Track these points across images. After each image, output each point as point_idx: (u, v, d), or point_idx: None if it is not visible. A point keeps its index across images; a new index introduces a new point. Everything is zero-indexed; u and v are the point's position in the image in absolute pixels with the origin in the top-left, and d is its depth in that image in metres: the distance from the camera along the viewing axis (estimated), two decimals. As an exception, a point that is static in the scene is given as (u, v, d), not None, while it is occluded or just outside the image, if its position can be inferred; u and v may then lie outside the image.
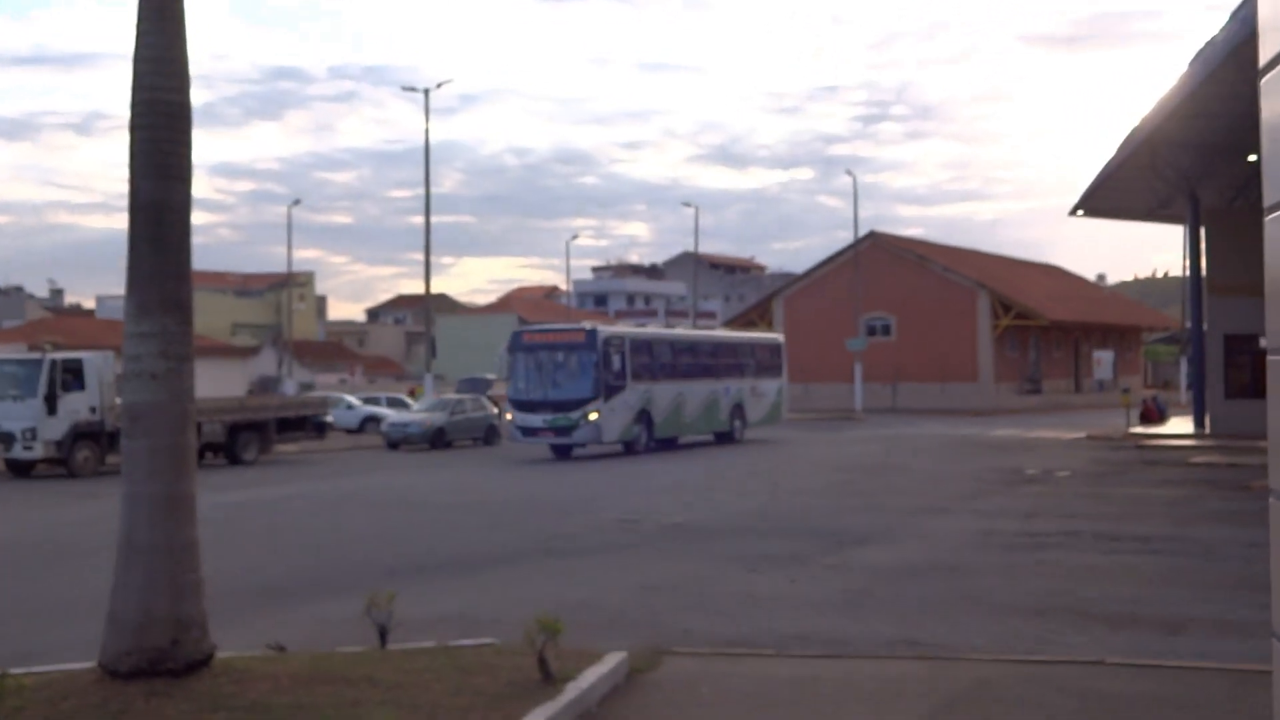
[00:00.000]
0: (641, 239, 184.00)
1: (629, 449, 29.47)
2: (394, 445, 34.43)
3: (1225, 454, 25.70)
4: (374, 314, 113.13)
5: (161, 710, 6.18)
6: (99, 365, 26.20)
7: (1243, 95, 22.35)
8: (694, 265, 74.71)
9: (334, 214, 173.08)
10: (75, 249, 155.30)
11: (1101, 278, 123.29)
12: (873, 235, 58.32)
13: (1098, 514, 16.03)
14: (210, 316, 70.10)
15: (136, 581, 6.73)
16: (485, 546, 13.88)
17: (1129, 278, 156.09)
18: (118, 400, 24.89)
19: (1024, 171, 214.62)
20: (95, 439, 26.02)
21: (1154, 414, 38.18)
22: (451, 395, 38.97)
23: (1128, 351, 67.40)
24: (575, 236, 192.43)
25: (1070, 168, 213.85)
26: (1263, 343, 3.14)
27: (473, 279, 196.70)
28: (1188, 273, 35.68)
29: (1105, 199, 35.88)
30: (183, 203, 7.01)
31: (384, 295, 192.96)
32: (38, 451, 25.39)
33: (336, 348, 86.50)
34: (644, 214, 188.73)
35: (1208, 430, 31.69)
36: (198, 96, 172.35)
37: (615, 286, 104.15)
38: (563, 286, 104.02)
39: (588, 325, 29.49)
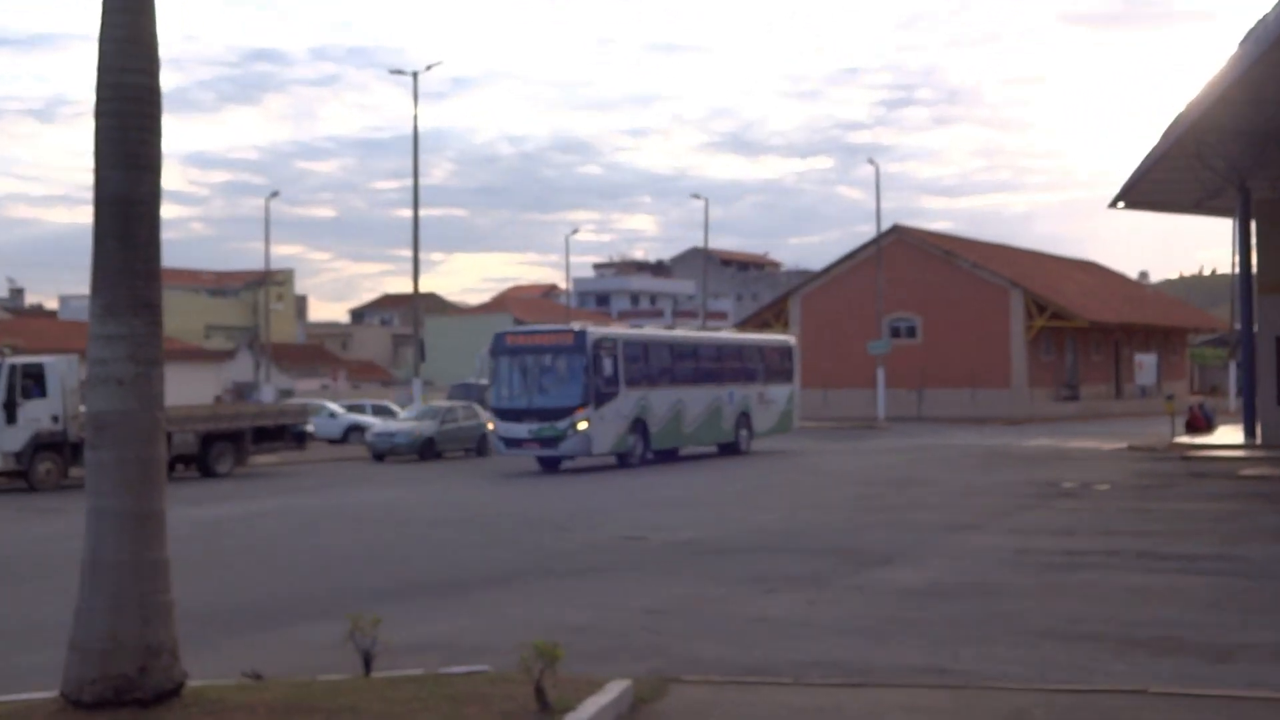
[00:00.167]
0: (647, 233, 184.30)
1: (623, 461, 29.25)
2: (380, 456, 34.47)
3: (1278, 465, 25.65)
4: (358, 315, 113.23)
5: (129, 743, 6.18)
6: (62, 370, 26.25)
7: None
8: (703, 262, 74.73)
9: (315, 207, 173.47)
10: (36, 245, 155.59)
11: (1144, 275, 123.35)
12: (896, 229, 58.33)
13: (1140, 531, 16.00)
14: (182, 318, 70.16)
15: (102, 604, 6.73)
16: (478, 565, 13.88)
17: (1173, 275, 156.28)
18: (82, 408, 24.95)
19: (1060, 160, 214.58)
20: (58, 450, 26.06)
21: (1201, 422, 38.14)
22: (441, 403, 39.01)
23: (1172, 355, 67.36)
24: (575, 231, 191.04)
25: (1110, 157, 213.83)
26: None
27: (465, 277, 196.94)
28: (1237, 270, 35.66)
29: (1148, 190, 35.87)
30: (152, 195, 7.02)
31: (369, 295, 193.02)
32: (-5, 463, 25.45)
33: (318, 351, 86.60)
34: (650, 206, 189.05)
35: (1259, 440, 31.65)
36: (168, 80, 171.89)
37: (618, 285, 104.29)
38: (562, 285, 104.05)
39: (576, 326, 29.39)
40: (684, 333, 36.52)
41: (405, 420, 36.38)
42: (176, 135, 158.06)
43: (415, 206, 42.75)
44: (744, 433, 33.57)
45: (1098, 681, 8.10)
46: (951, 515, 18.04)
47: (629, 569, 13.44)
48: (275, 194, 57.44)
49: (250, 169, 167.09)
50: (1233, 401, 51.45)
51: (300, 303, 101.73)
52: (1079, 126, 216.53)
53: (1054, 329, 56.21)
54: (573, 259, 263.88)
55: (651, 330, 35.03)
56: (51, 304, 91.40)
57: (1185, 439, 34.67)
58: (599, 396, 28.19)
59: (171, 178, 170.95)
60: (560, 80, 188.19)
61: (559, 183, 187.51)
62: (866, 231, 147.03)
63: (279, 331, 74.40)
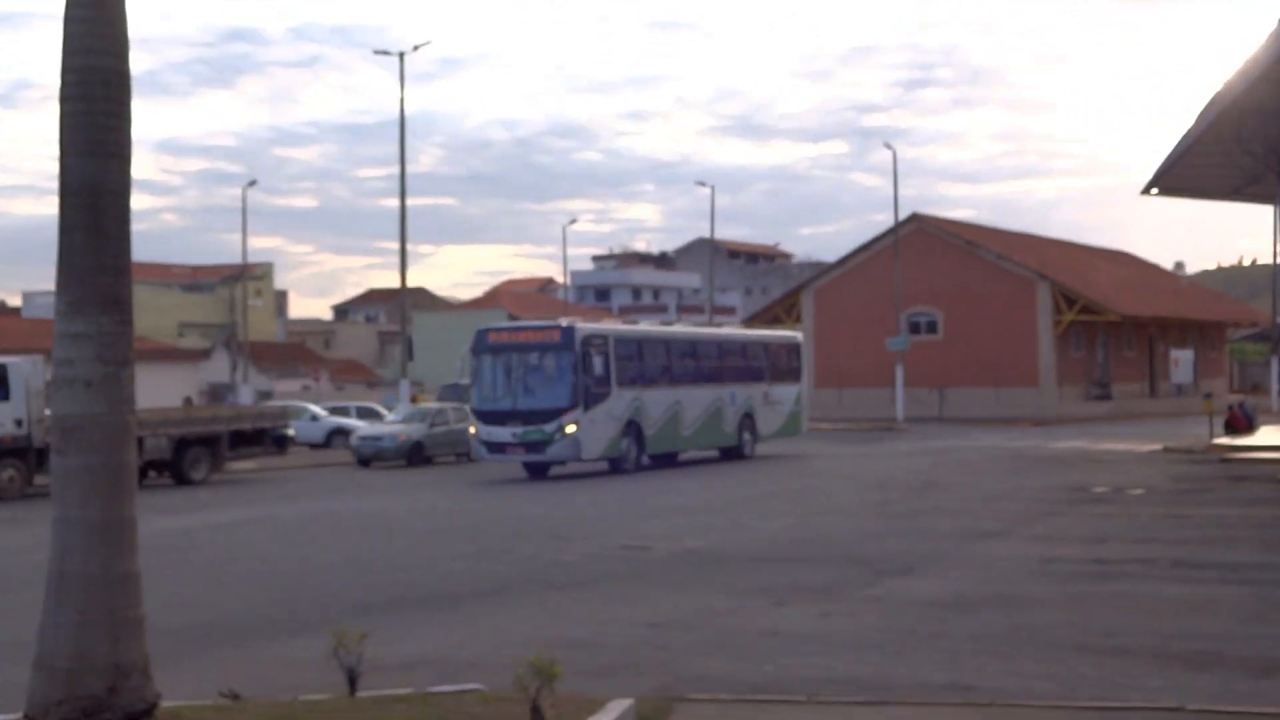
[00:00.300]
0: (649, 223, 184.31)
1: (615, 467, 29.01)
2: (365, 462, 34.48)
3: (1323, 468, 25.64)
4: (342, 311, 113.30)
5: (98, 767, 6.19)
6: (26, 371, 26.26)
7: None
8: (710, 253, 74.78)
9: (296, 197, 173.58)
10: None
11: (1179, 266, 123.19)
12: (915, 218, 58.32)
13: (1176, 538, 16.01)
14: (153, 315, 70.24)
15: (69, 619, 6.74)
16: (470, 577, 13.90)
17: (1211, 266, 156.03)
18: (47, 412, 24.95)
19: (1089, 144, 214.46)
20: (21, 456, 26.07)
21: (1241, 422, 38.12)
22: (431, 404, 39.04)
23: (1210, 350, 67.35)
24: (573, 221, 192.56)
25: (1143, 140, 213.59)
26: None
27: (455, 270, 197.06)
28: (1279, 260, 35.65)
29: (1182, 176, 35.84)
30: (121, 184, 7.03)
31: (353, 290, 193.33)
32: (-44, 470, 25.47)
33: (299, 350, 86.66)
34: (652, 195, 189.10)
35: (1303, 441, 31.61)
36: (138, 62, 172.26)
37: (619, 278, 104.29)
38: (559, 278, 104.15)
39: (564, 321, 29.09)
40: (682, 328, 36.22)
41: (392, 423, 36.37)
42: (147, 121, 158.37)
43: (402, 195, 42.79)
44: (747, 436, 33.45)
45: (1131, 699, 8.11)
46: (975, 522, 18.05)
47: (631, 580, 13.46)
48: (253, 183, 57.54)
49: (226, 156, 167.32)
50: (1275, 400, 51.44)
51: (280, 298, 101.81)
52: (1109, 108, 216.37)
53: (1084, 323, 56.19)
54: (570, 251, 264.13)
55: (646, 326, 34.76)
56: (15, 301, 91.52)
57: (1224, 440, 34.66)
58: (589, 397, 27.97)
59: (142, 166, 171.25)
60: (556, 61, 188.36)
61: (555, 170, 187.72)
62: (883, 220, 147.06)
63: (257, 329, 74.47)
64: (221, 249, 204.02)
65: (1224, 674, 8.84)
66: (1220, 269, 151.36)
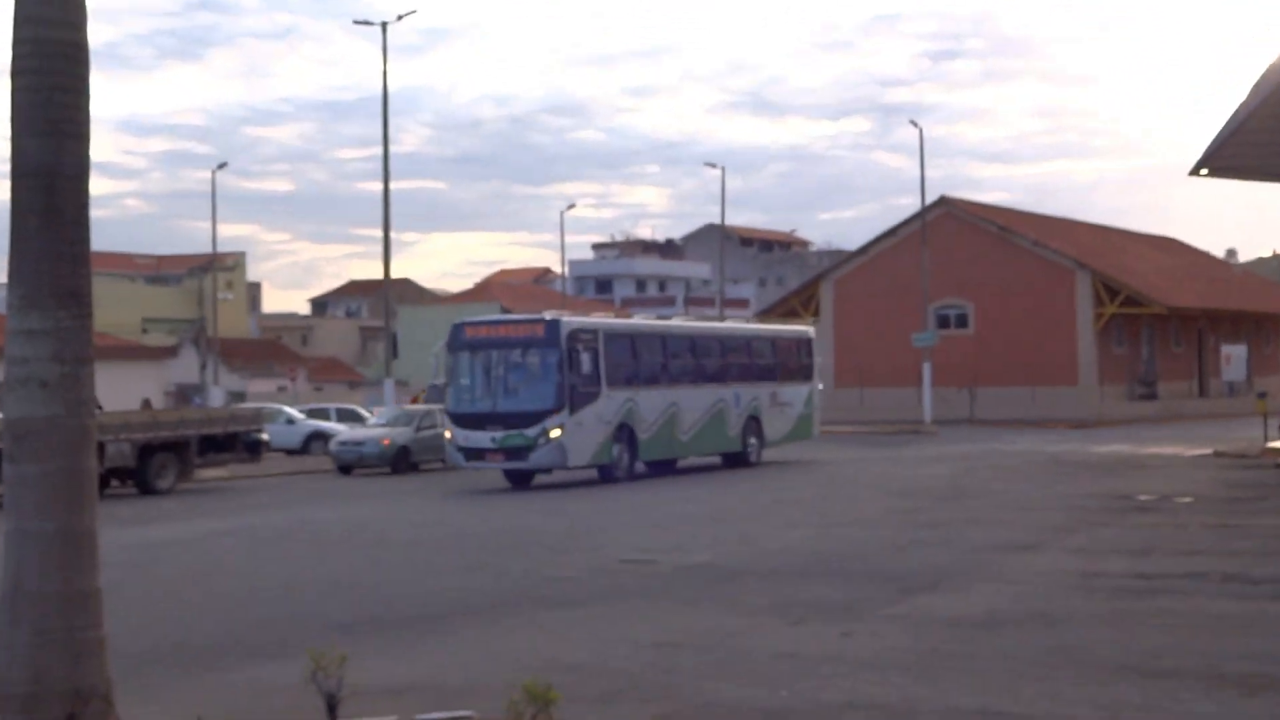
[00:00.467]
0: (654, 208, 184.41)
1: (605, 475, 28.67)
2: (346, 469, 34.54)
3: (1388, 474, 25.61)
4: (320, 305, 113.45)
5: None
6: (-23, 371, 26.34)
7: None
8: (720, 241, 74.78)
9: (270, 180, 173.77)
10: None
11: (1231, 254, 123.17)
12: (944, 202, 58.36)
13: (1228, 550, 16.01)
14: (115, 309, 70.28)
15: (24, 640, 6.75)
16: (460, 594, 13.91)
17: (1265, 253, 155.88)
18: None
19: (1133, 121, 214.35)
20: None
21: (1298, 424, 38.07)
22: (418, 406, 39.09)
23: (1265, 346, 67.33)
24: (571, 206, 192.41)
25: (1191, 116, 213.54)
26: None
27: (443, 260, 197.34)
28: (1340, 246, 35.56)
29: (1235, 155, 35.79)
30: (79, 167, 7.04)
31: (333, 281, 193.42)
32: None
33: (273, 347, 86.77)
34: (657, 177, 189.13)
35: (1366, 444, 31.59)
36: (97, 34, 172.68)
37: (622, 268, 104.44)
38: (556, 269, 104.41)
39: (548, 315, 28.92)
40: (680, 322, 35.77)
41: (375, 426, 36.43)
42: (107, 98, 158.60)
43: (385, 179, 42.81)
44: (753, 441, 33.22)
45: (1179, 725, 8.10)
46: (1008, 533, 18.05)
47: (634, 596, 13.46)
48: (223, 165, 57.56)
49: (194, 136, 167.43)
50: (1335, 399, 51.40)
51: (253, 291, 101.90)
52: (1155, 81, 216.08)
53: (1127, 316, 56.19)
54: (568, 239, 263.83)
55: (640, 320, 34.39)
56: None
57: (1280, 443, 34.63)
58: (576, 398, 27.62)
59: (102, 147, 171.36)
60: (553, 32, 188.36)
61: (552, 150, 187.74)
62: (909, 205, 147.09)
63: (228, 325, 74.53)
64: (189, 237, 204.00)
65: (1279, 697, 8.85)
66: (1276, 256, 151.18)
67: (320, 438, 41.11)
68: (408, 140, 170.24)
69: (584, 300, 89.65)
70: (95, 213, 7.18)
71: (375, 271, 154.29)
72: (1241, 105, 31.03)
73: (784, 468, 32.28)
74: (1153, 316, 57.50)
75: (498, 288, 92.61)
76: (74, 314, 6.95)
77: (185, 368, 64.81)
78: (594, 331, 28.95)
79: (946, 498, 23.42)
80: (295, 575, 15.84)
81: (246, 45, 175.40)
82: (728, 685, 9.47)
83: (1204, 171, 37.42)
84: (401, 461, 34.28)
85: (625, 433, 29.10)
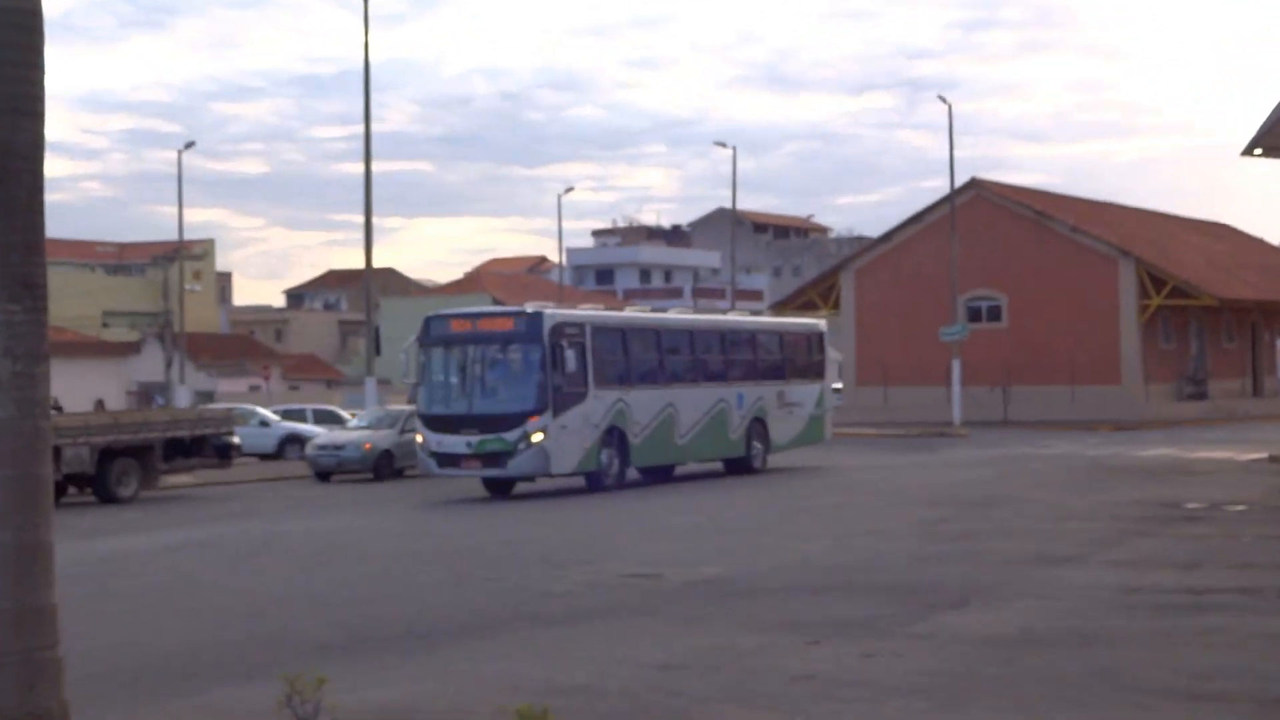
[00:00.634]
0: (659, 192, 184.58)
1: (593, 483, 28.41)
2: (324, 475, 34.56)
3: None
4: (296, 297, 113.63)
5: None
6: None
7: None
8: (731, 227, 74.83)
9: (242, 161, 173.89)
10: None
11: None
12: (975, 184, 58.34)
13: (1284, 563, 16.01)
14: (73, 301, 70.40)
15: (-26, 661, 6.75)
16: (448, 611, 13.92)
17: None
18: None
19: (1180, 97, 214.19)
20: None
21: (1361, 426, 38.08)
22: (401, 407, 39.11)
23: (1325, 341, 67.29)
24: (569, 189, 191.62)
25: (1243, 92, 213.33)
26: None
27: (430, 248, 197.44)
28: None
29: (1292, 133, 35.81)
30: (33, 146, 7.04)
31: (310, 271, 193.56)
32: None
33: (245, 343, 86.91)
34: (662, 158, 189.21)
35: None
36: (53, 2, 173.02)
37: (624, 256, 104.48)
38: (553, 257, 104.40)
39: (530, 307, 28.57)
40: (676, 315, 35.19)
41: (356, 429, 36.42)
42: (64, 72, 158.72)
43: (367, 159, 42.79)
44: (757, 445, 32.99)
45: (1229, 753, 8.11)
46: (1044, 545, 18.06)
47: (638, 614, 13.48)
48: (190, 145, 57.55)
49: (159, 113, 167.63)
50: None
51: (223, 282, 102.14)
52: (1204, 54, 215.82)
53: (1174, 309, 56.18)
54: (566, 225, 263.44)
55: (632, 313, 34.05)
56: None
57: (1341, 447, 34.60)
58: (560, 399, 27.29)
59: (58, 125, 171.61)
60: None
61: (547, 129, 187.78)
62: (937, 188, 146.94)
63: (196, 319, 74.62)
64: (153, 224, 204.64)
65: (1339, 724, 8.85)
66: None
67: (296, 441, 41.12)
68: (391, 118, 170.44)
69: (583, 292, 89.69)
70: (51, 196, 7.20)
71: (356, 261, 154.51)
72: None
73: (793, 474, 32.25)
74: (1202, 309, 57.48)
75: (489, 278, 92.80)
76: (28, 307, 6.95)
77: (149, 365, 64.88)
78: (580, 325, 28.64)
79: (976, 506, 23.43)
80: (269, 591, 15.85)
81: (215, 14, 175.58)
82: (738, 710, 9.48)
83: (1257, 151, 37.41)
84: (384, 467, 34.27)
85: (615, 436, 28.84)
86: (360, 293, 64.87)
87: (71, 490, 28.76)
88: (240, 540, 21.30)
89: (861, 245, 72.40)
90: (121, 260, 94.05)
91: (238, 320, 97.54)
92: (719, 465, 33.01)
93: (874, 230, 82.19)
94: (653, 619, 13.19)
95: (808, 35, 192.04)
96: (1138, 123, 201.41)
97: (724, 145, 67.00)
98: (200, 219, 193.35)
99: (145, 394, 61.78)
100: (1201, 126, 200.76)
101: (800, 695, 9.88)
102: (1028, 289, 56.19)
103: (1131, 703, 9.47)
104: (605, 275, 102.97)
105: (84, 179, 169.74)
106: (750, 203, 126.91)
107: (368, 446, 34.32)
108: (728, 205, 68.63)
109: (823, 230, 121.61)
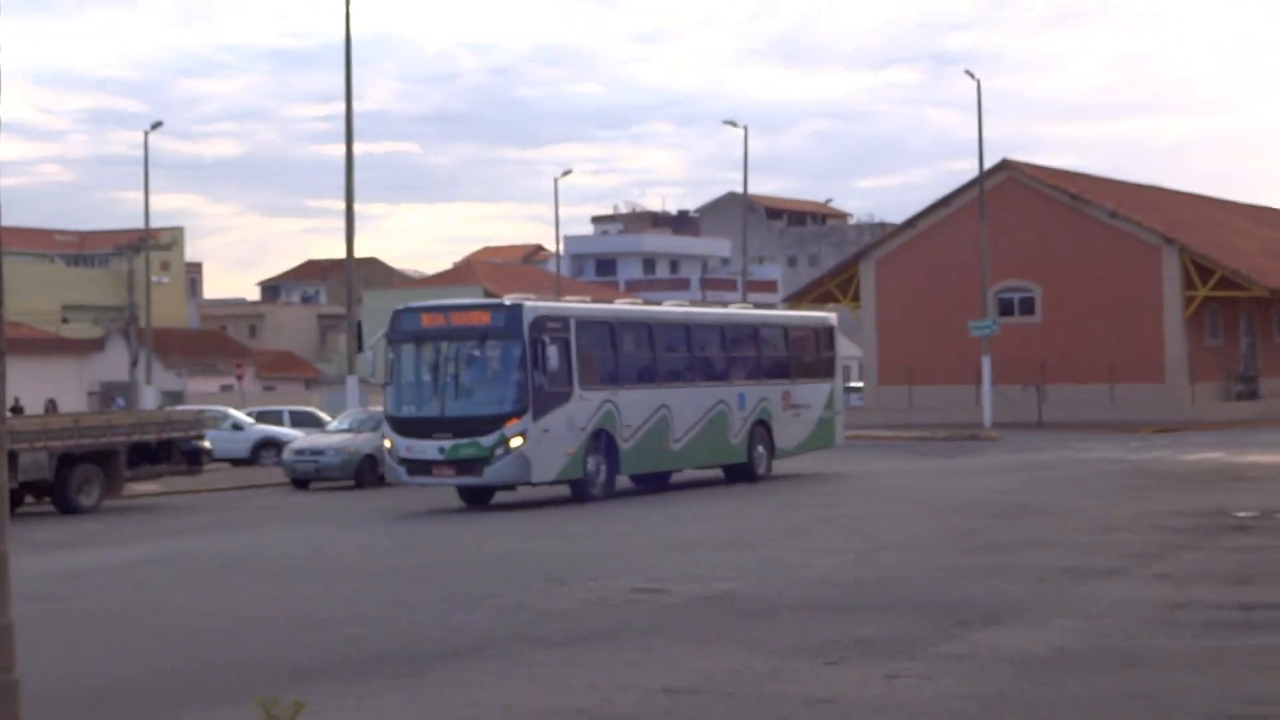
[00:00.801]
0: (665, 175, 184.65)
1: (579, 493, 28.09)
2: (302, 482, 34.57)
3: None
4: (272, 289, 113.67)
5: None
6: None
7: None
8: (743, 213, 74.87)
9: (213, 143, 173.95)
10: None
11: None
12: (1006, 166, 58.34)
13: (1342, 577, 16.01)
14: (30, 294, 70.39)
15: (-76, 686, 6.76)
16: (438, 631, 13.92)
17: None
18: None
19: (1228, 73, 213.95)
20: None
21: None
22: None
23: (1386, 335, 67.28)
24: (567, 173, 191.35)
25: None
26: None
27: (417, 236, 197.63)
28: None
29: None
30: (-13, 129, 7.04)
31: (286, 261, 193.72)
32: None
33: (217, 339, 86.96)
34: (668, 138, 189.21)
35: None
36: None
37: (627, 245, 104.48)
38: (549, 245, 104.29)
39: (508, 300, 28.37)
40: (670, 308, 34.89)
41: (336, 432, 36.42)
42: (20, 45, 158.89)
43: (349, 140, 42.76)
44: (760, 450, 32.64)
45: (1284, 784, 8.11)
46: (1082, 557, 18.06)
47: (644, 634, 13.47)
48: (157, 125, 57.61)
49: (123, 91, 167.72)
50: None
51: (193, 273, 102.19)
52: (1254, 24, 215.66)
53: (1222, 300, 56.15)
54: (564, 210, 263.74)
55: (622, 305, 33.60)
56: None
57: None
58: (541, 400, 26.91)
59: (13, 104, 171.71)
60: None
61: (542, 107, 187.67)
62: (965, 170, 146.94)
63: (163, 313, 74.66)
64: (117, 210, 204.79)
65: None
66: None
67: (272, 445, 41.15)
68: (373, 95, 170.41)
69: (582, 283, 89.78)
70: (6, 181, 7.20)
71: (337, 250, 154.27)
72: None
73: (801, 482, 32.19)
74: (1252, 301, 57.46)
75: (480, 268, 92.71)
76: (-19, 302, 6.95)
77: (113, 363, 64.87)
78: (564, 318, 28.37)
79: (1009, 516, 23.41)
80: (243, 609, 15.84)
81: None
82: (752, 738, 9.48)
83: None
84: (367, 473, 34.20)
85: (603, 441, 28.47)
86: (341, 284, 64.88)
87: (29, 499, 28.77)
88: (211, 554, 21.28)
89: (883, 232, 72.38)
90: (83, 250, 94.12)
91: (208, 315, 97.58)
92: (718, 473, 32.82)
93: (897, 216, 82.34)
94: (661, 639, 13.17)
95: (825, 5, 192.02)
96: (1182, 100, 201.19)
97: (734, 124, 67.00)
98: (168, 205, 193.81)
99: (107, 395, 61.74)
100: (1252, 105, 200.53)
101: (819, 721, 9.89)
102: (1064, 279, 56.15)
103: (1178, 729, 9.48)
104: (606, 265, 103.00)
105: (42, 162, 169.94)
106: (763, 186, 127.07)
107: (349, 451, 34.22)
108: (738, 189, 68.71)
109: (841, 216, 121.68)
